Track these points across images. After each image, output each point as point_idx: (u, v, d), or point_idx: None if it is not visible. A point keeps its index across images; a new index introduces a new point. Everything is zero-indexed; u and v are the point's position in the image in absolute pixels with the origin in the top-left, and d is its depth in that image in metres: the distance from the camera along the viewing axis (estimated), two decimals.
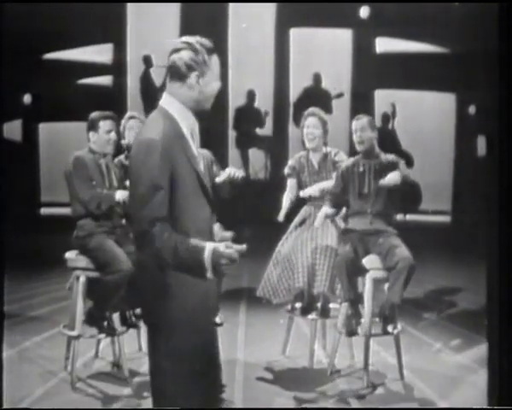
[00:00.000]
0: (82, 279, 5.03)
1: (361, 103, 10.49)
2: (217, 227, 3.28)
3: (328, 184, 5.46)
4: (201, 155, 3.04)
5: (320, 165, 5.58)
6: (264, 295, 5.46)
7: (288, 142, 11.13)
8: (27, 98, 10.29)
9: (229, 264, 2.74)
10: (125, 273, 4.87)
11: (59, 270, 5.42)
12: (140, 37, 10.92)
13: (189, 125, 2.94)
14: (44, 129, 10.71)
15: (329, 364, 5.27)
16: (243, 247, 2.76)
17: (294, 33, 11.30)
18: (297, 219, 5.58)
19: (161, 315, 2.86)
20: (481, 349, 5.00)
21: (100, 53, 10.89)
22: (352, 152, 5.49)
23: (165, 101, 2.94)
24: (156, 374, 2.91)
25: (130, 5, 10.74)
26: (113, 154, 5.26)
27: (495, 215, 4.24)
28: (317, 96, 10.88)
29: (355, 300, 5.14)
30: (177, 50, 2.91)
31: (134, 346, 5.56)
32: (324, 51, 10.96)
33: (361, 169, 5.23)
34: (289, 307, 5.53)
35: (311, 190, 5.51)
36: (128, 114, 5.73)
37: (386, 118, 11.05)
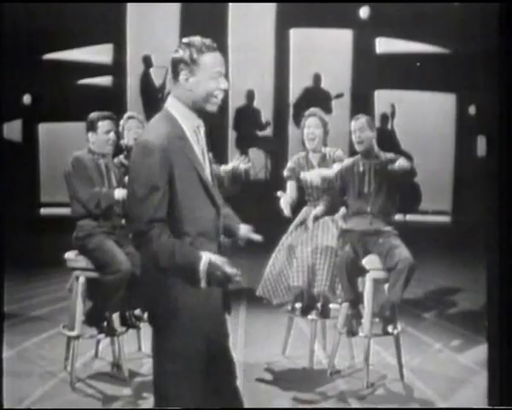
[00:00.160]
0: (81, 280, 5.02)
1: (361, 103, 10.49)
2: (245, 229, 3.23)
3: (328, 172, 5.41)
4: (208, 156, 3.03)
5: (320, 165, 5.56)
6: (263, 295, 5.45)
7: (288, 142, 11.13)
8: (27, 98, 10.30)
9: (225, 280, 2.77)
10: (124, 274, 4.86)
11: (59, 270, 5.42)
12: (140, 37, 10.92)
13: (191, 127, 2.93)
14: (44, 129, 10.72)
15: (329, 364, 5.26)
16: (239, 272, 2.78)
17: (294, 33, 11.30)
18: (297, 220, 5.57)
19: (164, 316, 2.86)
20: (481, 350, 4.99)
21: (100, 53, 10.89)
22: (352, 152, 5.49)
23: (168, 102, 2.95)
24: (159, 375, 2.90)
25: (130, 5, 10.74)
26: (113, 154, 5.26)
27: (495, 215, 4.23)
28: (316, 97, 10.88)
29: (355, 300, 5.13)
30: (174, 51, 2.93)
31: (134, 346, 5.55)
32: (324, 51, 10.96)
33: (361, 169, 5.23)
34: (289, 307, 5.52)
35: (312, 175, 5.46)
36: (127, 114, 5.72)
37: (386, 118, 11.06)
